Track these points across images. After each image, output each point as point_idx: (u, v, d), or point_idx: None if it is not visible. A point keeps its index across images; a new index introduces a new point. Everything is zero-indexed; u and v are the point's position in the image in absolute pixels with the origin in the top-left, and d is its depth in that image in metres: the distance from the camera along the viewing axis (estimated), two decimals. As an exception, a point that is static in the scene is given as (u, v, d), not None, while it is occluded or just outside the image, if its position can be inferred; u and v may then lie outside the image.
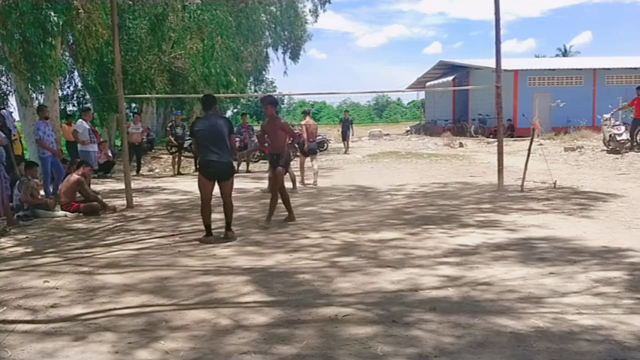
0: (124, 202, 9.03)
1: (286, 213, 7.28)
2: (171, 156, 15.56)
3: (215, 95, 6.96)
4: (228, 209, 6.31)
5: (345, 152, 21.13)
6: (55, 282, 4.68)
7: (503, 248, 5.46)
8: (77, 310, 3.99)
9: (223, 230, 6.33)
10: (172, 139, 14.84)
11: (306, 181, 11.32)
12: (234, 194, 6.49)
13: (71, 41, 15.56)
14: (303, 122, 12.25)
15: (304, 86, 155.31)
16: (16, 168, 8.70)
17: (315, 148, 11.53)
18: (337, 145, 23.17)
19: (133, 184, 9.95)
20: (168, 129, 15.98)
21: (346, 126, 22.49)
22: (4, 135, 8.18)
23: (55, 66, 12.35)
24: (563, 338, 3.25)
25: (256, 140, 15.42)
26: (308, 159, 11.38)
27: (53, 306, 4.08)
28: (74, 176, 8.56)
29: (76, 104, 20.75)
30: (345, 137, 22.20)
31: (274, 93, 56.90)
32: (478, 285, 4.31)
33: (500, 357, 3.03)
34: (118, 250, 5.89)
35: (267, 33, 31.72)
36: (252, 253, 5.61)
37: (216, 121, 6.31)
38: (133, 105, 22.98)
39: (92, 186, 10.80)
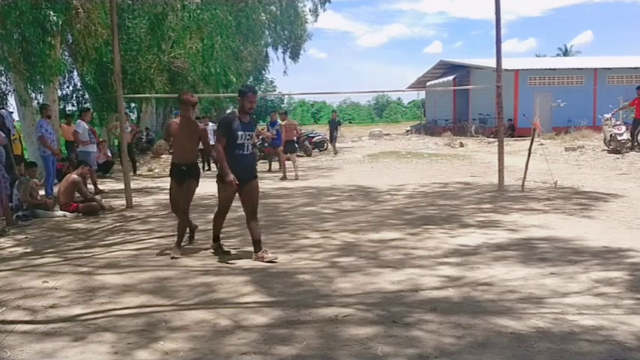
0: (124, 202, 9.02)
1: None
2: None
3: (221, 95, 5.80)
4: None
5: (335, 154, 20.43)
6: (55, 282, 4.68)
7: (503, 248, 5.45)
8: (76, 310, 3.99)
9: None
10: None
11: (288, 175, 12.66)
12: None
13: (70, 41, 15.54)
14: (283, 123, 13.65)
15: (304, 86, 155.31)
16: (16, 168, 8.69)
17: (290, 146, 13.18)
18: (336, 145, 23.06)
19: (133, 184, 9.94)
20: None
21: (333, 127, 21.69)
22: (3, 135, 8.17)
23: (55, 66, 12.35)
24: (564, 339, 3.24)
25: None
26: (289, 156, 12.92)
27: (52, 306, 4.07)
28: (72, 176, 8.57)
29: (75, 104, 20.74)
30: (332, 139, 21.44)
31: (274, 93, 57.05)
32: (479, 285, 4.30)
33: (500, 357, 3.02)
34: (118, 251, 5.88)
35: (266, 32, 31.71)
36: (252, 253, 5.59)
37: None
38: (133, 105, 22.95)
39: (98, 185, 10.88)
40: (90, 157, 10.60)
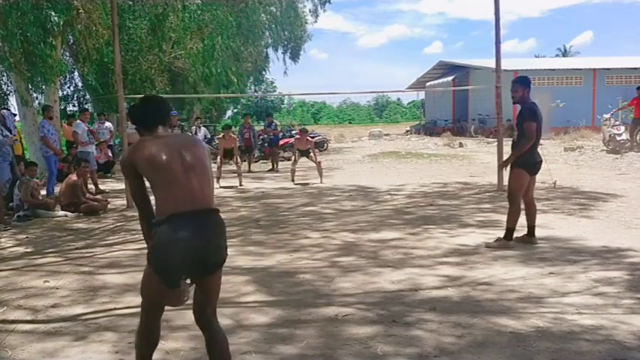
0: (125, 201, 9.03)
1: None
2: None
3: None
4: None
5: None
6: (56, 282, 4.69)
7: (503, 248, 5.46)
8: (78, 310, 4.00)
9: None
10: None
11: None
12: (232, 193, 6.38)
13: (71, 41, 15.56)
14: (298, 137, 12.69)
15: (304, 86, 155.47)
16: (16, 168, 8.71)
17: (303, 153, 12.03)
18: (336, 145, 23.05)
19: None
20: None
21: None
22: (10, 135, 8.22)
23: (56, 66, 12.35)
24: (564, 338, 3.25)
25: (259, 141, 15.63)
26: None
27: (54, 306, 4.09)
28: (72, 179, 8.63)
29: (76, 104, 20.75)
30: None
31: (274, 93, 56.99)
32: (478, 285, 4.32)
33: (500, 357, 3.04)
34: (119, 250, 5.89)
35: (267, 33, 31.65)
36: (252, 253, 5.61)
37: None
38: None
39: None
40: (89, 157, 10.62)
